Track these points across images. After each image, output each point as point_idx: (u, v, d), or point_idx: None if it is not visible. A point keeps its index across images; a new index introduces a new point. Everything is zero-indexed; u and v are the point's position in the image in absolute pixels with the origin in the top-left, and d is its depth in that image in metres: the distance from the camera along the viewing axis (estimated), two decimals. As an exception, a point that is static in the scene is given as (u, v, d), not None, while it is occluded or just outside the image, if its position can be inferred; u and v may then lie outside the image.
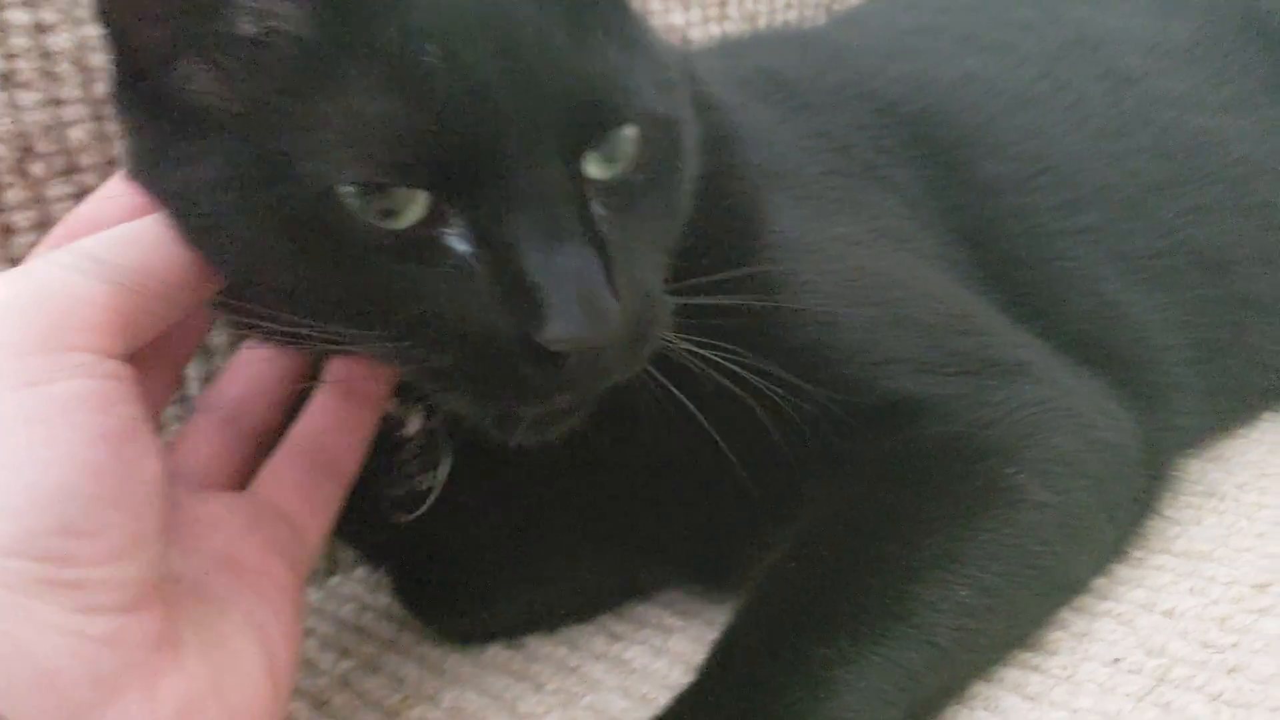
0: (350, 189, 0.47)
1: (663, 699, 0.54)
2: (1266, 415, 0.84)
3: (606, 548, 0.68)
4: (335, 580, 0.83)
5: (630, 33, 0.55)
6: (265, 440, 0.61)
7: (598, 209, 0.51)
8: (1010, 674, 0.57)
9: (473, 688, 0.66)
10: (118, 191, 0.54)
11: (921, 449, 0.60)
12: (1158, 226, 0.78)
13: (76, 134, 0.71)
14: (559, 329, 0.47)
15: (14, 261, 0.69)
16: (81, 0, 0.70)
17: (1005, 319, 0.69)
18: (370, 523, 0.65)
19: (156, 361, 0.55)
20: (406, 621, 0.74)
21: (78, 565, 0.44)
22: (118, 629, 0.45)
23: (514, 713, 0.63)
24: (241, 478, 0.60)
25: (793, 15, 1.09)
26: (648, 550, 0.67)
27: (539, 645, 0.69)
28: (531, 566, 0.68)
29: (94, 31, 0.67)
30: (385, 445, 0.63)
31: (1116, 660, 0.57)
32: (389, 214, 0.48)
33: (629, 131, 0.52)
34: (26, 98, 0.69)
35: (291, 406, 0.61)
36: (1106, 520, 0.63)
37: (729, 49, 0.94)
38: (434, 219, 0.48)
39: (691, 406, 0.55)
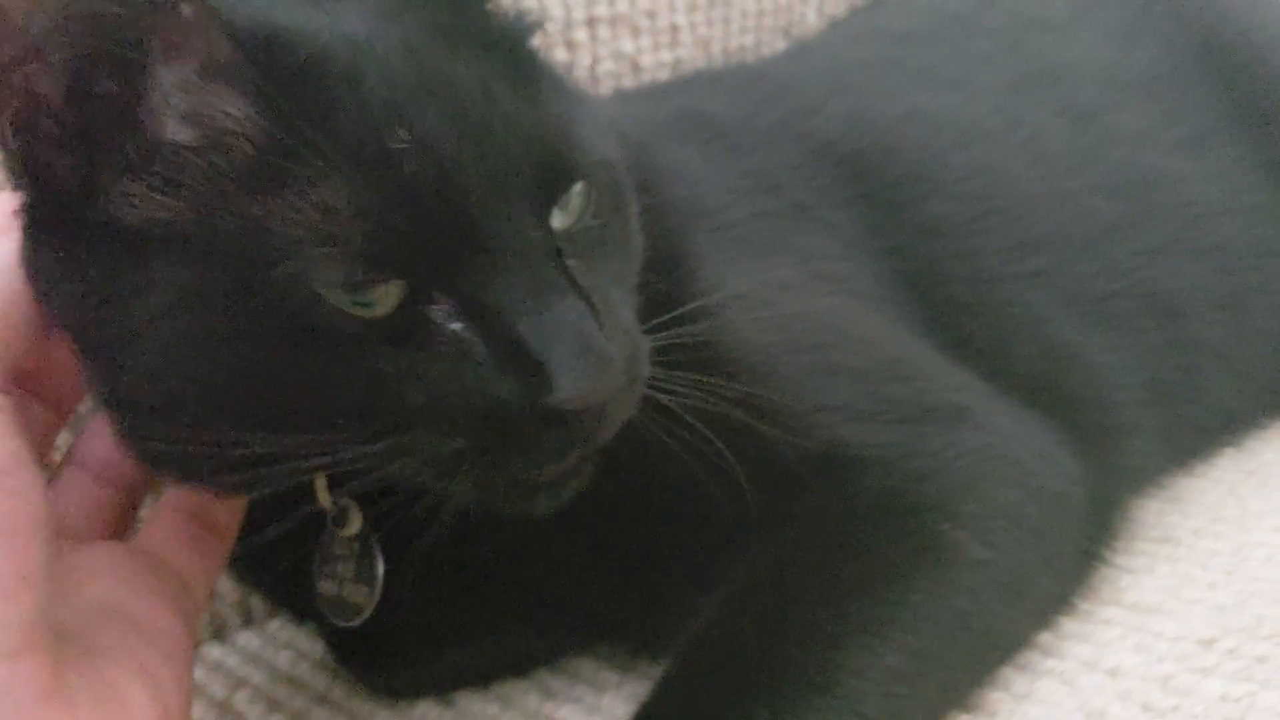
0: (334, 289, 0.45)
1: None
2: (1228, 452, 0.83)
3: (538, 607, 0.66)
4: (275, 625, 0.82)
5: (560, 83, 0.55)
6: (141, 491, 0.59)
7: (570, 260, 0.50)
8: (947, 738, 0.56)
9: (400, 746, 0.64)
10: None
11: (855, 504, 0.59)
12: (1110, 268, 0.77)
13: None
14: (569, 389, 0.46)
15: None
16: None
17: (945, 361, 0.68)
18: (297, 586, 0.63)
19: (41, 392, 0.54)
20: (339, 673, 0.73)
21: None
22: (5, 677, 0.43)
23: (440, 773, 0.62)
24: (120, 529, 0.58)
25: (748, 40, 1.07)
26: (578, 612, 0.66)
27: (470, 702, 0.68)
28: (464, 623, 0.67)
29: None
30: (316, 529, 0.61)
31: (1054, 724, 0.56)
32: (367, 305, 0.46)
33: (581, 183, 0.51)
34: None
35: None
36: (1048, 573, 0.61)
37: (658, 91, 0.93)
38: (415, 299, 0.47)
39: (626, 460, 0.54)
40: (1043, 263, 0.75)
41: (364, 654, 0.69)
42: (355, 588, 0.62)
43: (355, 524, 0.60)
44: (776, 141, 0.77)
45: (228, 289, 0.45)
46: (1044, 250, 0.75)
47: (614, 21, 0.98)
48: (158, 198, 0.46)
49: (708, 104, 0.82)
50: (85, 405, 0.59)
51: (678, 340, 0.55)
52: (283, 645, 0.78)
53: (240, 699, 0.72)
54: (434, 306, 0.47)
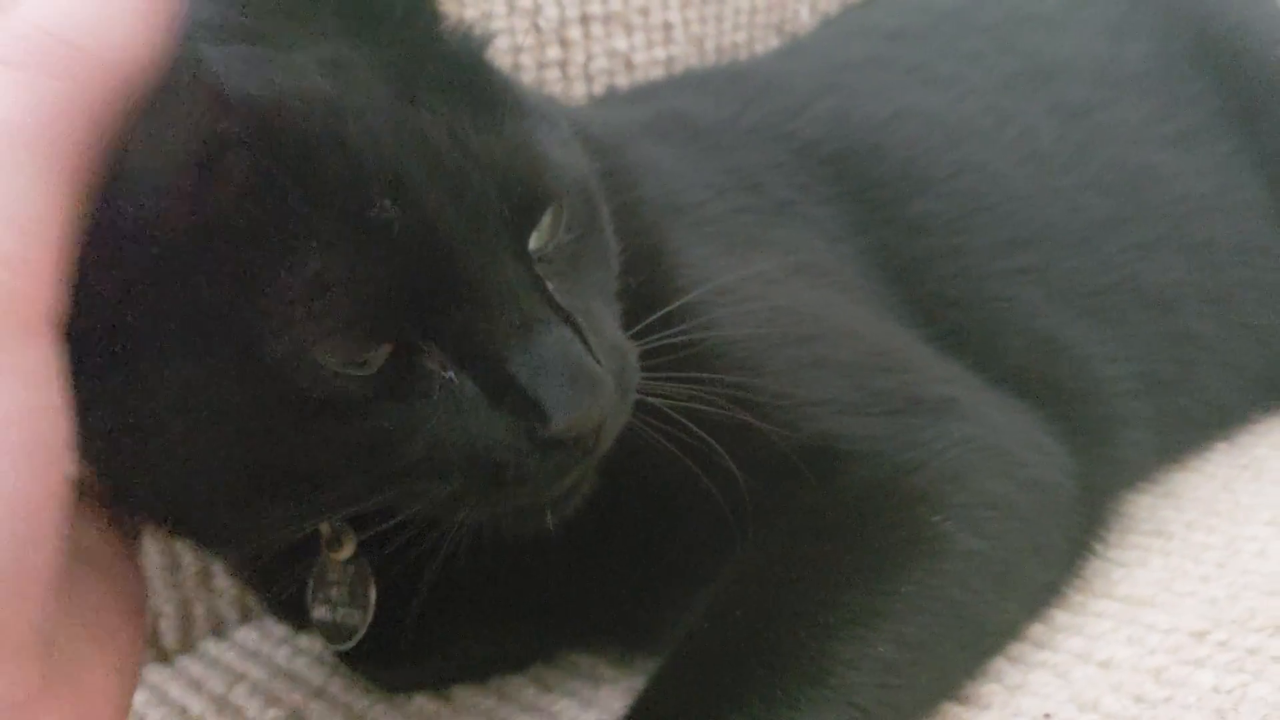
0: (330, 359, 0.45)
1: (585, 755, 0.53)
2: (1221, 447, 0.83)
3: (534, 604, 0.66)
4: (272, 621, 0.82)
5: (521, 100, 0.54)
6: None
7: (549, 283, 0.50)
8: (940, 730, 0.56)
9: (397, 740, 0.65)
10: None
11: (845, 497, 0.59)
12: (1101, 264, 0.77)
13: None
14: (563, 419, 0.46)
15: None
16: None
17: (932, 353, 0.68)
18: (296, 603, 0.64)
19: None
20: (337, 668, 0.73)
21: None
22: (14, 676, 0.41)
23: (436, 766, 0.62)
24: None
25: (741, 38, 1.08)
26: (574, 608, 0.66)
27: (467, 695, 0.68)
28: (460, 620, 0.67)
29: None
30: (312, 549, 0.61)
31: (1047, 716, 0.56)
32: (360, 365, 0.46)
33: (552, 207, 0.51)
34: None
35: None
36: (1038, 565, 0.62)
37: (643, 92, 0.93)
38: (405, 351, 0.47)
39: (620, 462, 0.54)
40: (1032, 258, 0.75)
41: (362, 650, 0.69)
42: (349, 611, 0.62)
43: (348, 549, 0.61)
44: (759, 141, 0.78)
45: (228, 376, 0.45)
46: (1033, 246, 0.76)
47: (607, 19, 0.98)
48: (131, 298, 0.44)
49: (690, 105, 0.82)
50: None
51: (664, 341, 0.56)
52: (280, 641, 0.78)
53: (239, 693, 0.72)
54: (425, 356, 0.47)
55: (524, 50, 0.96)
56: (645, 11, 1.00)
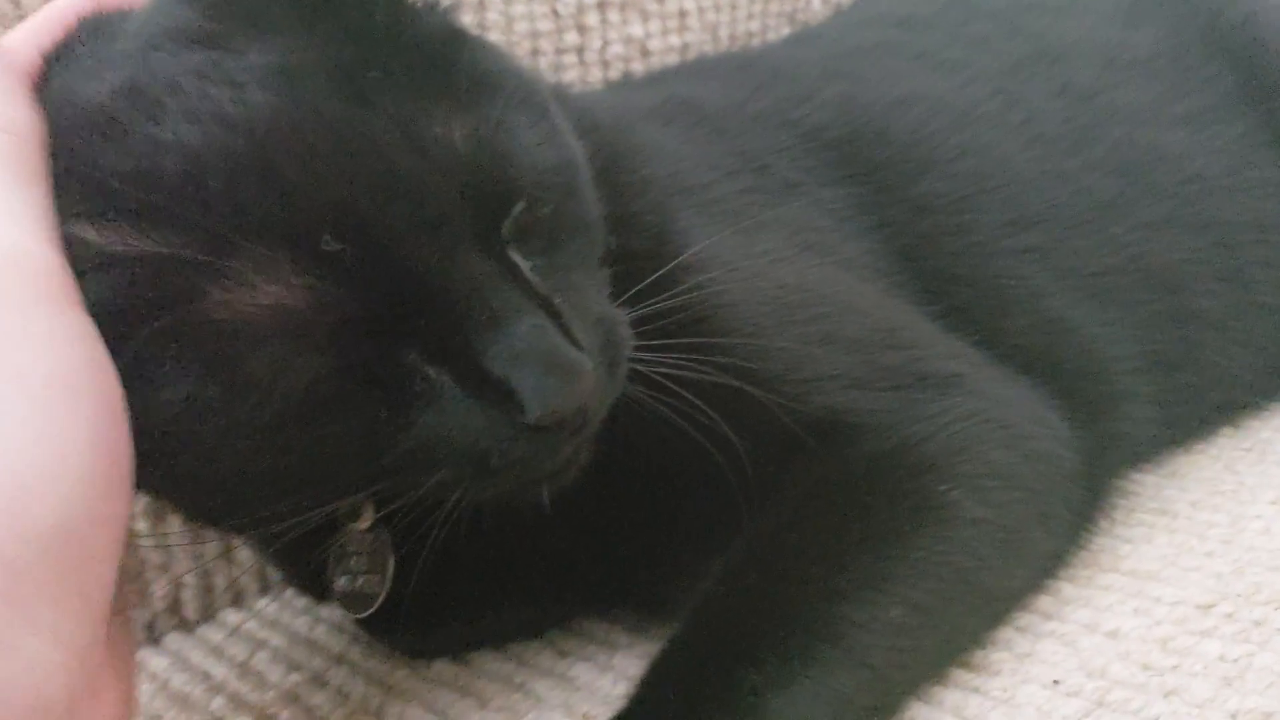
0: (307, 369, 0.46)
1: (604, 717, 0.54)
2: (1225, 430, 0.84)
3: (551, 573, 0.67)
4: (291, 591, 0.83)
5: (488, 74, 0.53)
6: None
7: (524, 265, 0.50)
8: (950, 696, 0.57)
9: (417, 703, 0.66)
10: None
11: (854, 468, 0.60)
12: (1107, 243, 0.78)
13: None
14: (539, 408, 0.47)
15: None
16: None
17: (937, 329, 0.69)
18: (317, 574, 0.65)
19: None
20: (357, 635, 0.74)
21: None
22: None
23: (456, 729, 0.63)
24: None
25: (754, 26, 1.09)
26: (589, 577, 0.67)
27: (486, 661, 0.69)
28: (478, 588, 0.68)
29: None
30: (330, 526, 0.62)
31: (1056, 682, 0.57)
32: (339, 370, 0.47)
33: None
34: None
35: None
36: (1042, 533, 0.63)
37: (654, 78, 0.94)
38: (385, 354, 0.48)
39: (628, 432, 0.55)
40: (1038, 238, 0.76)
41: (382, 617, 0.71)
42: (369, 579, 0.63)
43: (367, 519, 0.62)
44: (767, 126, 0.79)
45: (215, 392, 0.46)
46: (1040, 225, 0.77)
47: (624, 6, 1.00)
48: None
49: (699, 90, 0.83)
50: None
51: (667, 306, 0.56)
52: (300, 611, 0.79)
53: (260, 659, 0.73)
54: (404, 355, 0.48)
55: (542, 36, 0.97)
56: (661, -1, 1.01)
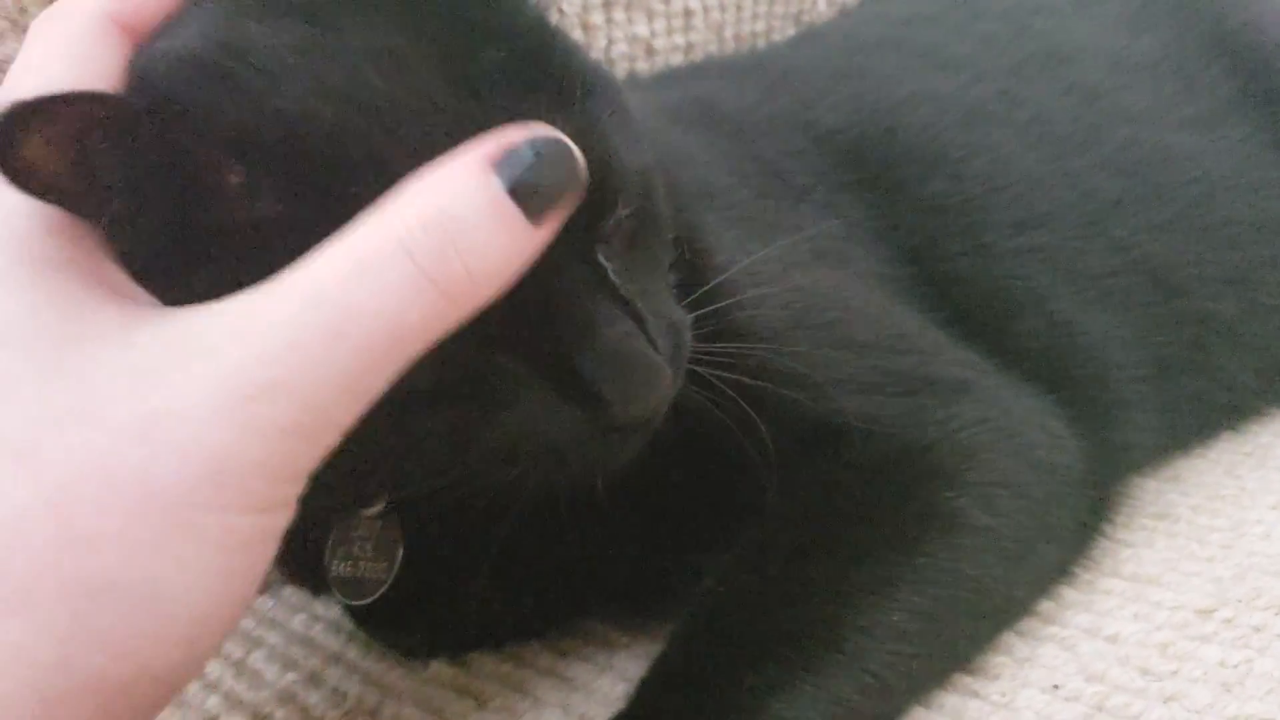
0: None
1: (602, 718, 0.54)
2: (1226, 435, 0.84)
3: (551, 570, 0.67)
4: (289, 590, 0.83)
5: (586, 74, 0.52)
6: None
7: (609, 267, 0.50)
8: (949, 700, 0.57)
9: (414, 703, 0.66)
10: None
11: (861, 473, 0.60)
12: (1113, 244, 0.78)
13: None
14: (624, 410, 0.48)
15: None
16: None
17: (946, 337, 0.69)
18: (314, 564, 0.64)
19: None
20: (354, 634, 0.74)
21: None
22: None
23: (453, 729, 0.63)
24: None
25: (760, 26, 1.09)
26: (591, 575, 0.67)
27: (484, 661, 0.69)
28: (477, 586, 0.68)
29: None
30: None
31: (1055, 687, 0.57)
32: (440, 366, 0.46)
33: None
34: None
35: None
36: (1047, 543, 0.63)
37: (668, 78, 0.94)
38: (480, 350, 0.47)
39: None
40: (1044, 239, 0.76)
41: (379, 615, 0.71)
42: (373, 565, 0.63)
43: (379, 504, 0.61)
44: (780, 130, 0.79)
45: None
46: (1045, 226, 0.77)
47: (629, 5, 1.00)
48: None
49: (715, 92, 0.83)
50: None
51: (699, 316, 0.57)
52: (297, 609, 0.79)
53: (257, 658, 0.73)
54: (499, 355, 0.48)
55: (546, 34, 0.97)
56: (667, -1, 1.01)
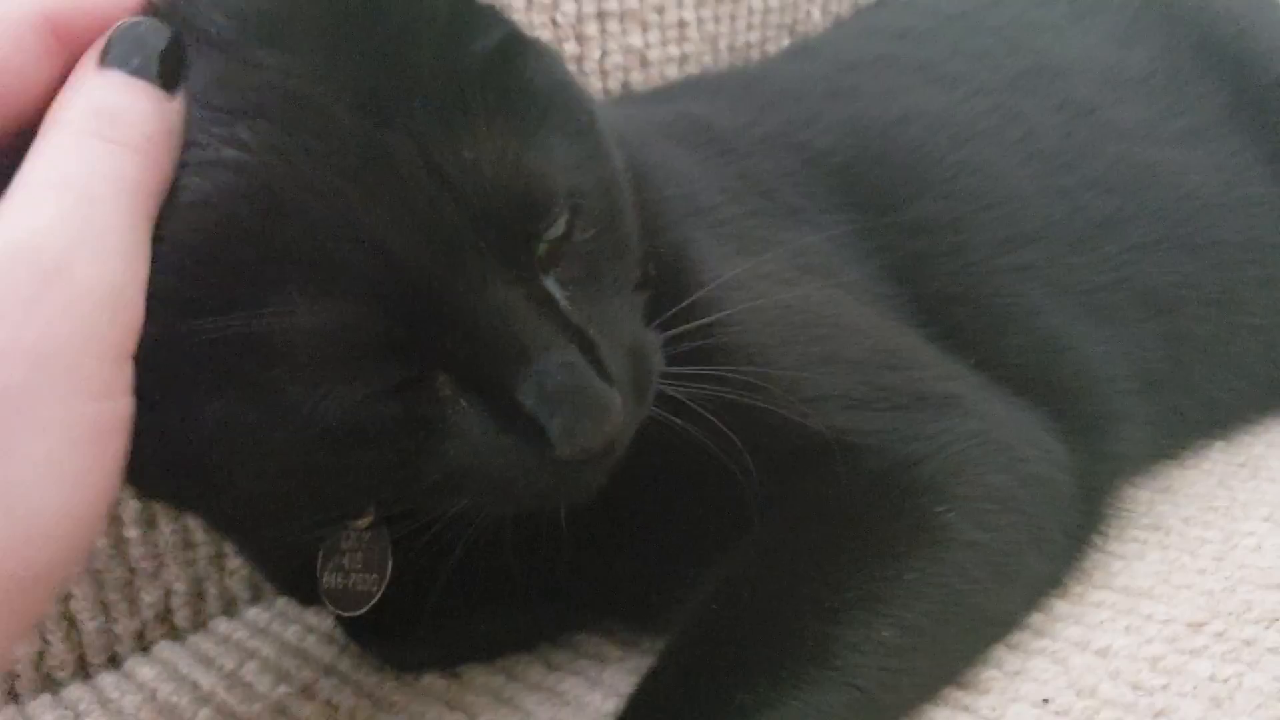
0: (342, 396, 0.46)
1: (592, 733, 0.54)
2: (1219, 446, 0.84)
3: (543, 583, 0.67)
4: (283, 601, 0.83)
5: (527, 93, 0.52)
6: None
7: (558, 291, 0.50)
8: (939, 714, 0.57)
9: (405, 716, 0.66)
10: None
11: (851, 487, 0.60)
12: (1102, 262, 0.78)
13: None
14: (569, 445, 0.47)
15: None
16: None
17: (935, 351, 0.69)
18: (303, 575, 0.65)
19: None
20: (348, 647, 0.74)
21: None
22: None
23: (443, 743, 0.63)
24: None
25: (754, 37, 1.09)
26: (583, 588, 0.67)
27: (475, 674, 0.69)
28: (470, 598, 0.68)
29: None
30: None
31: (1045, 701, 0.57)
32: (374, 398, 0.47)
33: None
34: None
35: None
36: (1038, 556, 0.63)
37: (661, 94, 0.94)
38: (417, 379, 0.48)
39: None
40: (1034, 256, 0.76)
41: (372, 628, 0.71)
42: (363, 577, 0.63)
43: (368, 517, 0.61)
44: (772, 149, 0.79)
45: (255, 414, 0.46)
46: (1035, 244, 0.77)
47: (623, 16, 1.00)
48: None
49: (708, 109, 0.83)
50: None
51: (684, 332, 0.57)
52: (291, 620, 0.79)
53: (249, 669, 0.73)
54: (437, 385, 0.48)
55: (540, 45, 0.97)
56: (661, 9, 1.02)
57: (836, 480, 0.60)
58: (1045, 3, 0.96)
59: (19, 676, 0.77)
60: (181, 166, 0.45)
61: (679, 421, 0.55)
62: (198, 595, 0.83)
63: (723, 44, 1.07)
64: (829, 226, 0.75)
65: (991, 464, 0.62)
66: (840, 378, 0.63)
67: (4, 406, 0.40)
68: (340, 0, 0.48)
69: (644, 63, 1.01)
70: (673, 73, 1.04)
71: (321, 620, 0.78)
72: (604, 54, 1.00)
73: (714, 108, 0.84)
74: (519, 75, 0.52)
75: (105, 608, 0.80)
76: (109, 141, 0.44)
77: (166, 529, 0.82)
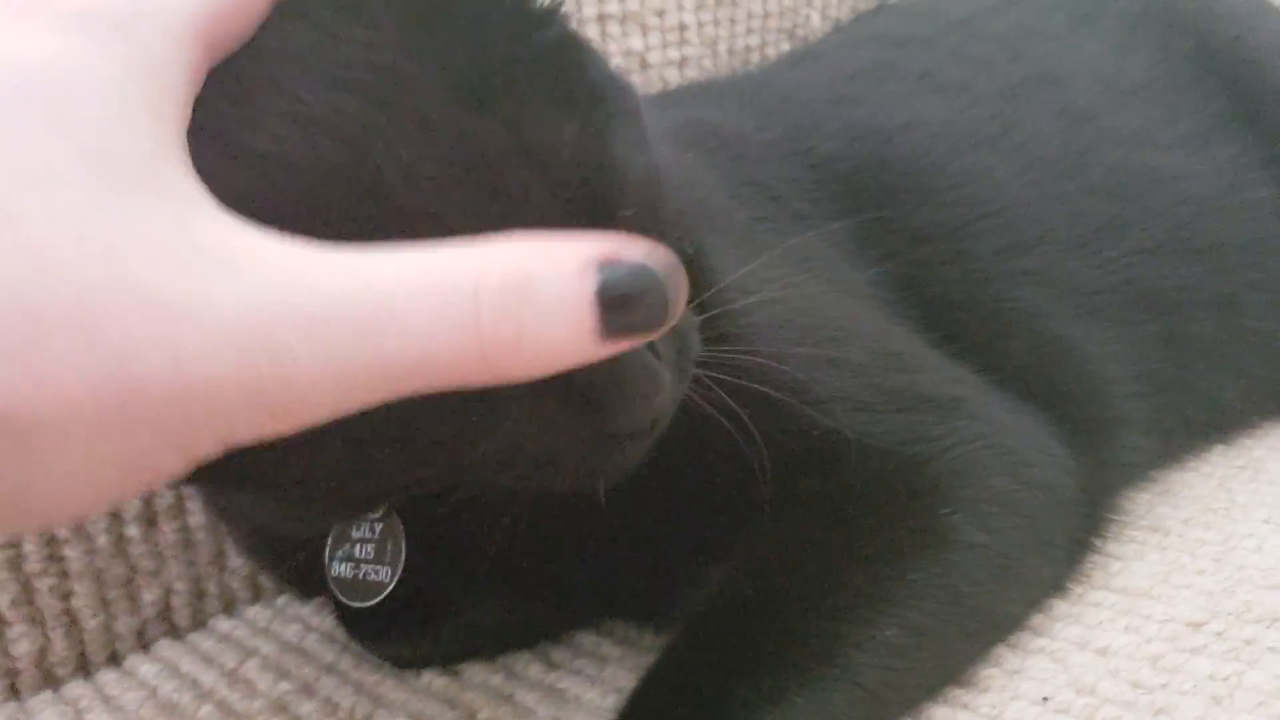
0: None
1: (592, 731, 0.54)
2: (1218, 448, 0.84)
3: (545, 580, 0.67)
4: (283, 600, 0.83)
5: (597, 80, 0.52)
6: None
7: None
8: (940, 712, 0.57)
9: (406, 714, 0.66)
10: None
11: (856, 488, 0.60)
12: (1103, 267, 0.78)
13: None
14: (625, 418, 0.47)
15: None
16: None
17: (939, 355, 0.69)
18: (306, 567, 0.65)
19: None
20: (348, 645, 0.74)
21: None
22: None
23: (443, 741, 0.63)
24: None
25: (754, 41, 1.09)
26: (585, 585, 0.67)
27: (475, 672, 0.69)
28: (471, 596, 0.68)
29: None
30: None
31: (1045, 699, 0.57)
32: None
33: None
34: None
35: None
36: (1040, 559, 0.63)
37: (669, 98, 0.95)
38: None
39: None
40: (1035, 262, 0.77)
41: (372, 625, 0.71)
42: (375, 568, 0.63)
43: (381, 506, 0.61)
44: (779, 155, 0.80)
45: None
46: (1037, 250, 0.77)
47: (624, 19, 1.00)
48: None
49: (716, 115, 0.84)
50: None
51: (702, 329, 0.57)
52: (291, 619, 0.79)
53: (250, 668, 0.73)
54: None
55: (541, 47, 0.98)
56: (661, 13, 1.02)
57: (841, 481, 0.60)
58: (1045, 11, 0.97)
59: (20, 673, 0.77)
60: (267, 114, 0.43)
61: (708, 408, 0.55)
62: (198, 593, 0.83)
63: (722, 47, 1.07)
64: (835, 233, 0.75)
65: (995, 467, 0.62)
66: (846, 380, 0.63)
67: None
68: None
69: (644, 65, 1.01)
70: (673, 76, 1.04)
71: (322, 619, 0.78)
72: (604, 56, 1.00)
73: (720, 113, 0.85)
74: (579, 64, 0.52)
75: (106, 605, 0.80)
76: (477, 325, 0.38)
77: (167, 527, 0.82)
